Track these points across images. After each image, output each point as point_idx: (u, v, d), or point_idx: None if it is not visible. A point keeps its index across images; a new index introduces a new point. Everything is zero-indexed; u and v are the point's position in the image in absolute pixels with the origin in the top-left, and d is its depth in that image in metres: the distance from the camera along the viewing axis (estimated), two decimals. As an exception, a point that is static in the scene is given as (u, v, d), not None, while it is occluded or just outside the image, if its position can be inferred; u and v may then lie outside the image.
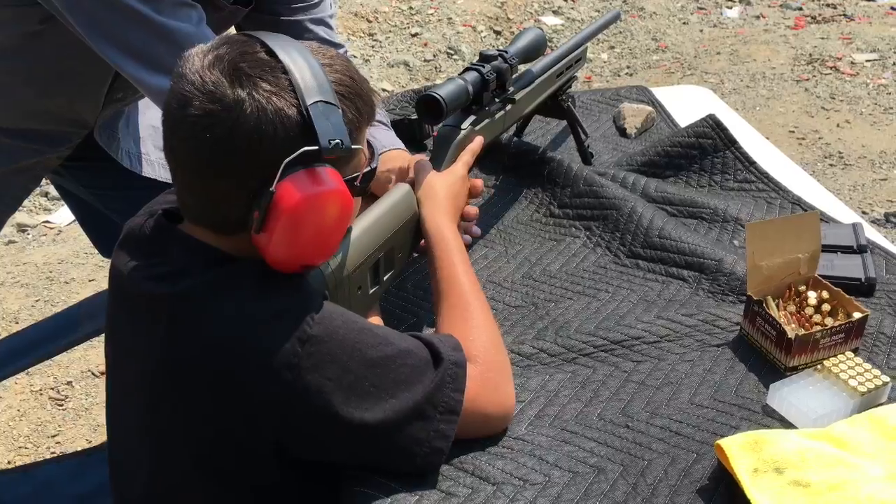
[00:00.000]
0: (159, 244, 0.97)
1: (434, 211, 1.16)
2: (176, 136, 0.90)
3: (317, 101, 0.88)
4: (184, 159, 0.91)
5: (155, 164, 1.65)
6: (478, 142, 1.29)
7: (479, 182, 1.29)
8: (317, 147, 0.88)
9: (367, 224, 1.09)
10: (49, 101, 1.45)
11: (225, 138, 0.87)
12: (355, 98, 0.94)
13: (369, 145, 1.00)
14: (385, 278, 1.13)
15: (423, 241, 1.21)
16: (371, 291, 1.11)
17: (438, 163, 1.24)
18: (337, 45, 1.58)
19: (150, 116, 1.67)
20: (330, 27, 1.58)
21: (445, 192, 1.19)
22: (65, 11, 1.21)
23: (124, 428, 1.05)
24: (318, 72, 0.90)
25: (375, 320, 1.13)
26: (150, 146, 1.66)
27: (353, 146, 0.92)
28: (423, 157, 1.26)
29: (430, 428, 0.94)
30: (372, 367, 0.92)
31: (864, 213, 3.10)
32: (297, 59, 0.89)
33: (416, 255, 1.25)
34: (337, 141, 0.89)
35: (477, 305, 1.07)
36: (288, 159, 0.87)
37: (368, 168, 0.99)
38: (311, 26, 1.53)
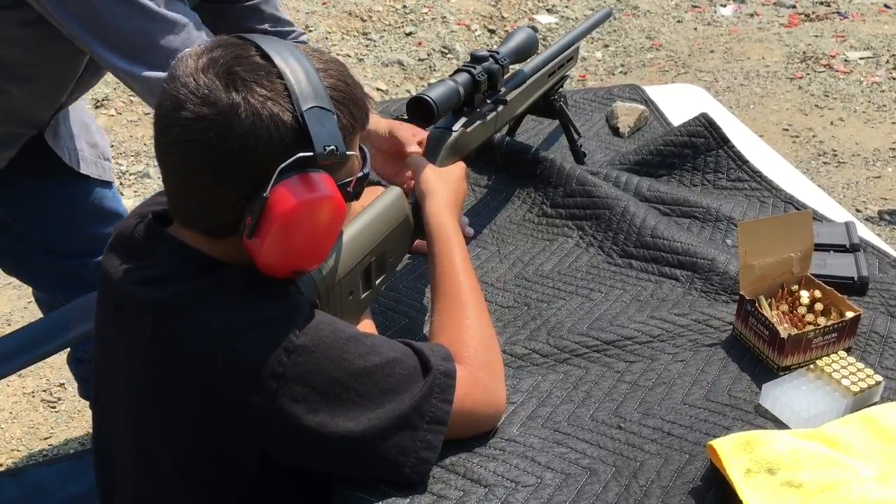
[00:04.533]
0: (148, 247, 0.96)
1: (437, 207, 1.15)
2: (168, 138, 0.89)
3: (312, 107, 0.87)
4: (175, 162, 0.90)
5: (89, 161, 1.65)
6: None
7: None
8: (311, 153, 0.87)
9: (359, 228, 1.08)
10: (10, 101, 1.44)
11: (218, 143, 0.86)
12: (350, 104, 0.94)
13: (361, 150, 1.00)
14: (377, 283, 1.13)
15: (416, 241, 1.20)
16: (363, 296, 1.10)
17: None
18: (287, 23, 1.60)
19: (80, 113, 1.66)
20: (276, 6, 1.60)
21: (447, 188, 1.18)
22: (56, 9, 1.19)
23: (111, 431, 1.04)
24: (313, 77, 0.89)
25: (367, 324, 1.12)
26: (83, 143, 1.65)
27: (347, 152, 0.91)
28: (417, 150, 1.26)
29: (416, 438, 0.93)
30: (359, 377, 0.91)
31: (857, 210, 3.10)
32: (293, 64, 0.89)
33: (408, 256, 1.25)
34: (332, 147, 0.88)
35: (473, 305, 1.07)
36: (283, 165, 0.86)
37: (361, 173, 0.98)
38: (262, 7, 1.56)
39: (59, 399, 2.36)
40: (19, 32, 1.31)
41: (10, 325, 2.61)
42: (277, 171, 0.86)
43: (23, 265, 1.73)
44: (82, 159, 1.63)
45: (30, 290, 2.76)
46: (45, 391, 2.38)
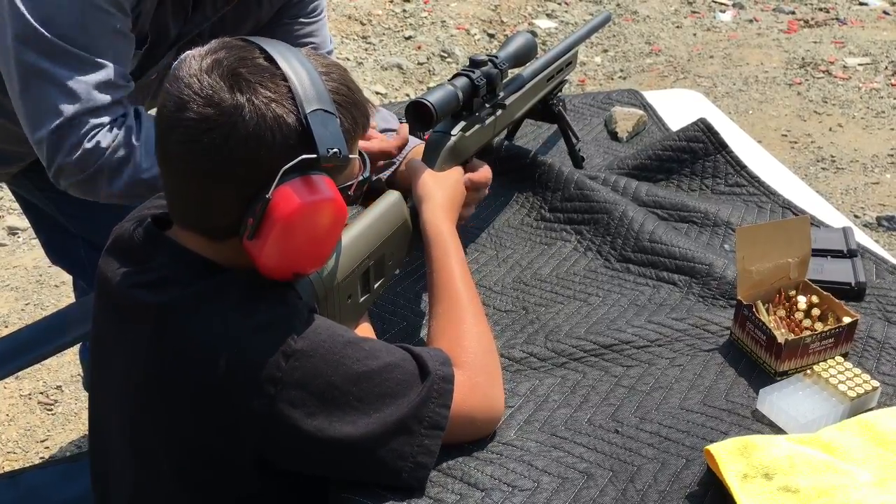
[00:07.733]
0: (147, 251, 0.96)
1: (434, 212, 1.15)
2: (171, 139, 0.89)
3: (315, 110, 0.88)
4: (177, 163, 0.90)
5: None
6: (484, 173, 1.30)
7: (486, 172, 1.30)
8: (315, 155, 0.87)
9: (358, 232, 1.08)
10: (6, 118, 1.44)
11: (222, 143, 0.86)
12: (352, 107, 0.94)
13: (361, 155, 1.00)
14: (375, 286, 1.13)
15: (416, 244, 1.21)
16: (361, 300, 1.10)
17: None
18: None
19: None
20: None
21: (444, 192, 1.18)
22: None
23: (107, 434, 1.04)
24: (316, 80, 0.89)
25: (365, 328, 1.12)
26: None
27: (349, 155, 0.91)
28: (417, 144, 1.26)
29: (414, 443, 0.93)
30: (357, 381, 0.91)
31: (856, 216, 3.11)
32: (297, 67, 0.89)
33: (406, 258, 1.25)
34: (335, 150, 0.89)
35: (471, 310, 1.07)
36: (286, 166, 0.86)
37: (362, 177, 0.98)
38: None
39: (56, 401, 2.36)
40: None
41: (7, 326, 2.61)
42: (281, 173, 0.86)
43: (68, 257, 1.75)
44: None
45: (27, 292, 2.77)
46: (41, 393, 2.38)
